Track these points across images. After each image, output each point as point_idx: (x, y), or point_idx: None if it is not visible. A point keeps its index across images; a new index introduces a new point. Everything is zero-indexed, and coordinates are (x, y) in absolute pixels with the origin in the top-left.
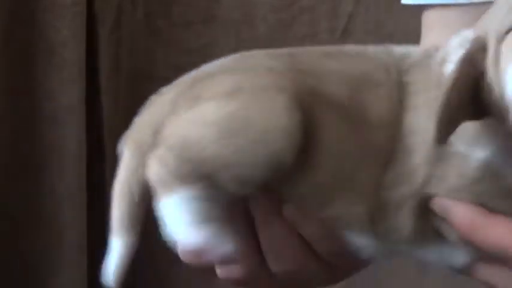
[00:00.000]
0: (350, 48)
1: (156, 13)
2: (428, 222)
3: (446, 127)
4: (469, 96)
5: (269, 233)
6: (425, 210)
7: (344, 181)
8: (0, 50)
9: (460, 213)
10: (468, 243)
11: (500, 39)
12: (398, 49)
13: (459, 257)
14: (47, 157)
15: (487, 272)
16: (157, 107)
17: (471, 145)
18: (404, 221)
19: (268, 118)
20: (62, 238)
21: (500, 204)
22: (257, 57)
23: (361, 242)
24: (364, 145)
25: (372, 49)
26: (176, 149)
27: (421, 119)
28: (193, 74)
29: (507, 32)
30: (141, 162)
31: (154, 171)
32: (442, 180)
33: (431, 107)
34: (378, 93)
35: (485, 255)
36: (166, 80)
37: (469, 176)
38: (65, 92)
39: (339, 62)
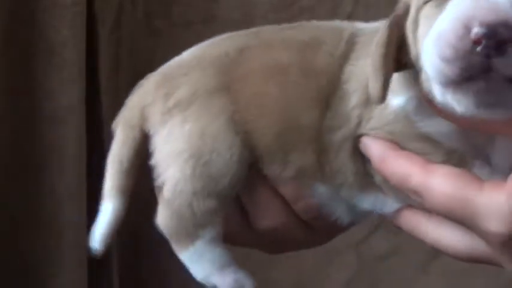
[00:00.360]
0: (313, 22)
1: (156, 13)
2: (364, 165)
3: (384, 83)
4: (395, 53)
5: (254, 196)
6: (360, 153)
7: (293, 130)
8: (0, 50)
9: (374, 147)
10: (382, 177)
11: (419, 8)
12: (363, 23)
13: (389, 205)
14: (47, 157)
15: (408, 219)
16: (143, 90)
17: (391, 93)
18: (345, 163)
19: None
20: (62, 238)
21: (411, 145)
22: (216, 43)
23: (322, 193)
24: (307, 91)
25: (334, 22)
26: (170, 206)
27: (358, 68)
28: (167, 67)
29: (425, 3)
30: (130, 135)
31: (164, 227)
32: (367, 122)
33: (366, 59)
34: (322, 49)
35: (410, 203)
36: None
37: (386, 118)
38: (65, 92)
39: (294, 31)
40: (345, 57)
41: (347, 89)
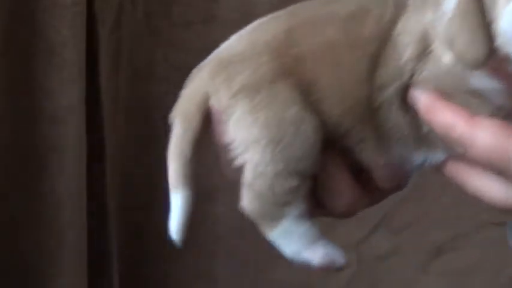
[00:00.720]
0: None
1: (156, 13)
2: (414, 117)
3: (486, 48)
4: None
5: (329, 183)
6: (410, 105)
7: (353, 109)
8: (0, 50)
9: (422, 98)
10: (430, 128)
11: None
12: None
13: (437, 157)
14: (47, 157)
15: (452, 168)
16: (198, 81)
17: (446, 47)
18: (398, 117)
19: (289, 119)
20: (62, 238)
21: (460, 99)
22: (261, 28)
23: (398, 156)
24: (358, 65)
25: None
26: (252, 187)
27: (410, 23)
28: (219, 55)
29: None
30: (188, 127)
31: (249, 210)
32: (419, 75)
33: (422, 12)
34: (371, 15)
35: (456, 153)
36: (166, 80)
37: (438, 71)
38: (65, 92)
39: (338, 4)
40: (395, 20)
41: (399, 43)
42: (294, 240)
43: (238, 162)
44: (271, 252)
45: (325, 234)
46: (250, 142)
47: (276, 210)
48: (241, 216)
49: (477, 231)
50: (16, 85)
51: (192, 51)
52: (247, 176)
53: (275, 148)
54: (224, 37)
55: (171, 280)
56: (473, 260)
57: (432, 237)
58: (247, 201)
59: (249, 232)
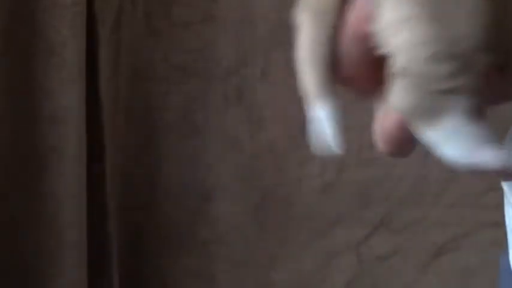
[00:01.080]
0: None
1: (156, 13)
2: None
3: None
4: None
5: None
6: None
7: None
8: (0, 50)
9: None
10: None
11: None
12: None
13: None
14: (47, 157)
15: None
16: None
17: None
18: None
19: None
20: (62, 238)
21: None
22: None
23: None
24: None
25: None
26: (405, 74)
27: None
28: None
29: None
30: (324, 20)
31: (403, 104)
32: None
33: None
34: None
35: None
36: (166, 80)
37: None
38: (65, 92)
39: None
40: None
41: None
42: (462, 140)
43: (387, 46)
44: (271, 252)
45: (324, 235)
46: (404, 19)
47: (436, 100)
48: (241, 216)
49: (477, 231)
50: (16, 85)
51: (192, 51)
52: (400, 60)
53: (430, 27)
54: (224, 37)
55: (171, 280)
56: (473, 260)
57: (432, 237)
58: (400, 94)
59: (249, 232)
